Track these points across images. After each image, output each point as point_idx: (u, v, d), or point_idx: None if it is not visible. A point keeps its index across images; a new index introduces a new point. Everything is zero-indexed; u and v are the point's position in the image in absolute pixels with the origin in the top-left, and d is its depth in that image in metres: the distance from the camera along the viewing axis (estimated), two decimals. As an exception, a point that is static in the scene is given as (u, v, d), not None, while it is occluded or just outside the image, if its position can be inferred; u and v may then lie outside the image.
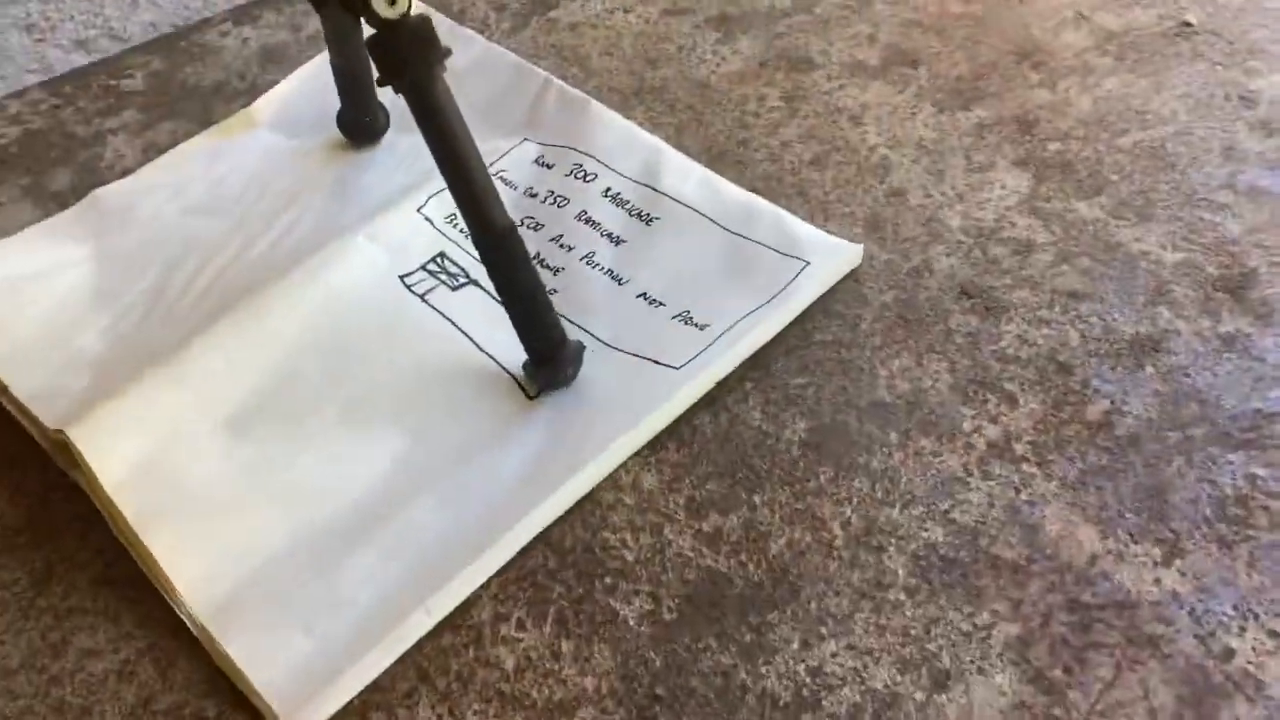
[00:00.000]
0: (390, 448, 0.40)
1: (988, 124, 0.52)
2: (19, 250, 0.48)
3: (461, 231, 0.48)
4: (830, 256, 0.45)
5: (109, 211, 0.50)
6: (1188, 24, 0.57)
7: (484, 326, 0.44)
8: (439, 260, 0.47)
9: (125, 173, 0.52)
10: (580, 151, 0.51)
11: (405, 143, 0.52)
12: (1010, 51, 0.56)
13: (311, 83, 0.56)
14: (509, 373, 0.42)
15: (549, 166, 0.51)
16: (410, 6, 0.36)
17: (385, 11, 0.36)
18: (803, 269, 0.44)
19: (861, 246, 0.46)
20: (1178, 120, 0.51)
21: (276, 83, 0.57)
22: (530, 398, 0.41)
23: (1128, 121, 0.51)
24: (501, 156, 0.52)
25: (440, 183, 0.48)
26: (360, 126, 0.53)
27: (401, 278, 0.46)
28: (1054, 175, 0.49)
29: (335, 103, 0.52)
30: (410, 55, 0.36)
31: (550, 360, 0.41)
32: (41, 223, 0.50)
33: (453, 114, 0.37)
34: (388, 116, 0.53)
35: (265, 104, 0.56)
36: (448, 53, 0.37)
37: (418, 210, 0.49)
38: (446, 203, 0.48)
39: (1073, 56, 0.56)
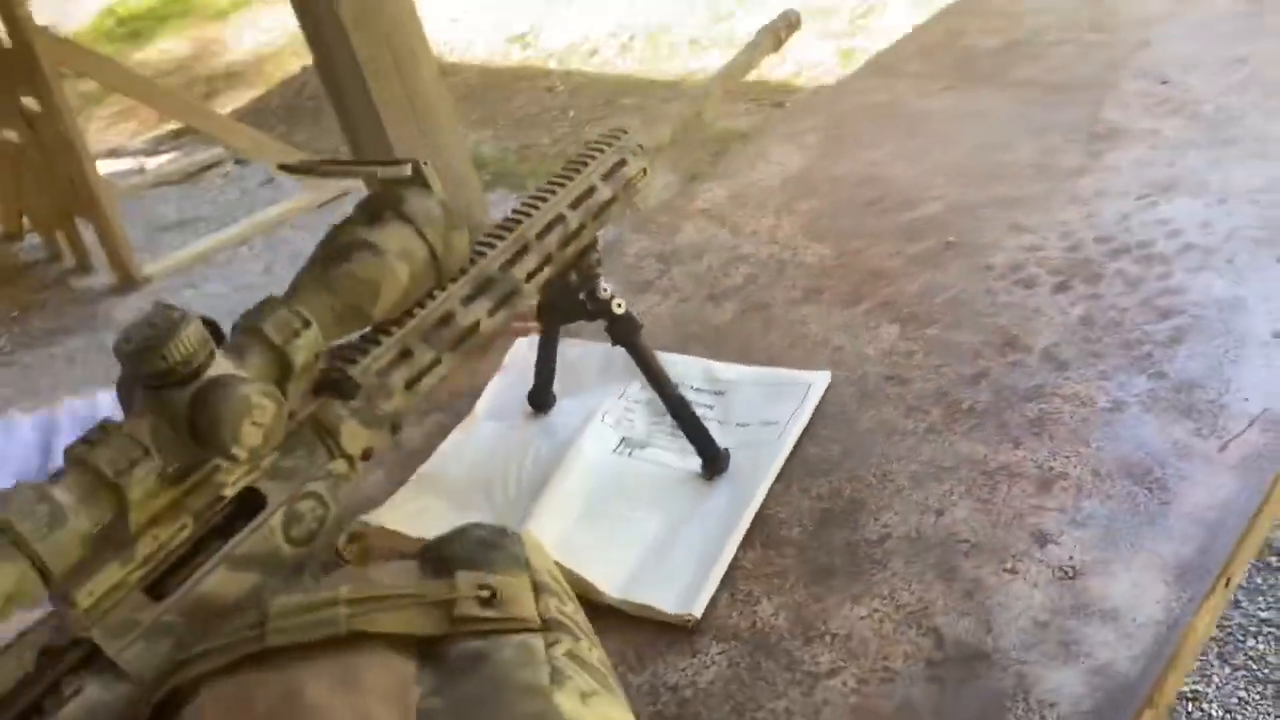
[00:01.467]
0: (655, 516, 0.80)
1: (871, 309, 0.99)
2: (398, 503, 0.87)
3: (628, 424, 0.90)
4: (819, 381, 0.90)
5: (429, 477, 0.90)
6: (951, 242, 1.07)
7: (664, 457, 0.86)
8: (624, 440, 0.89)
9: (430, 449, 0.93)
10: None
11: (568, 404, 0.95)
12: (868, 274, 1.05)
13: (501, 385, 0.99)
14: (694, 472, 0.84)
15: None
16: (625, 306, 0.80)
17: (617, 311, 0.80)
18: (810, 386, 0.89)
19: (829, 372, 0.91)
20: (958, 286, 1.00)
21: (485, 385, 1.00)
22: (708, 480, 0.83)
23: (935, 292, 1.00)
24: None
25: (605, 406, 0.91)
26: (545, 400, 0.95)
27: (613, 451, 0.88)
28: (910, 322, 0.96)
29: (519, 396, 0.95)
30: (631, 331, 0.80)
31: (715, 458, 0.83)
32: (400, 489, 0.89)
33: (652, 354, 0.81)
34: (555, 395, 0.96)
35: (480, 404, 0.98)
36: (641, 325, 0.81)
37: (601, 421, 0.91)
38: (613, 413, 0.91)
39: (903, 271, 1.05)
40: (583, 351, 0.98)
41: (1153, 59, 1.31)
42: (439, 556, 0.57)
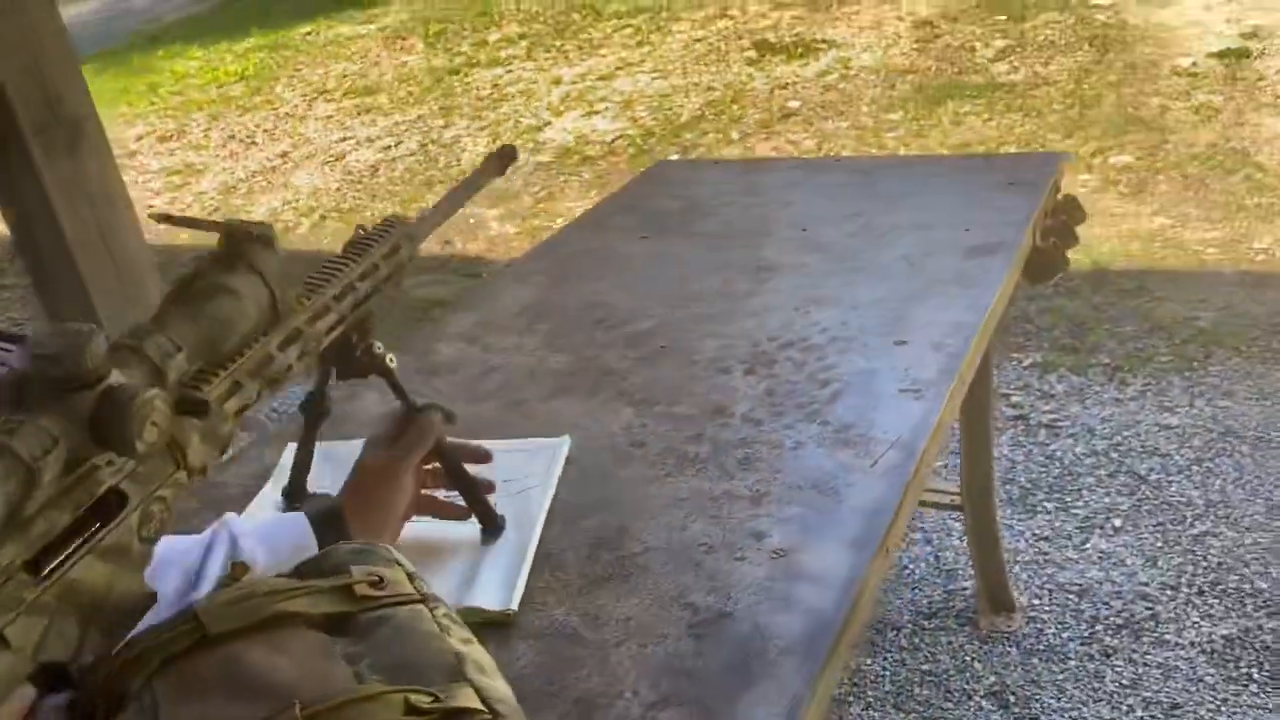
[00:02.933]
0: (458, 556, 0.97)
1: (609, 398, 1.23)
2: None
3: None
4: (563, 444, 1.12)
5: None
6: (664, 346, 1.34)
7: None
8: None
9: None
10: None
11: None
12: (603, 373, 1.29)
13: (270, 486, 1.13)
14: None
15: None
16: None
17: (391, 365, 0.98)
18: (556, 446, 1.11)
19: (569, 437, 1.12)
20: (674, 377, 1.26)
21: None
22: (488, 542, 1.00)
23: (657, 383, 1.25)
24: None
25: None
26: (300, 495, 1.09)
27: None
28: (642, 404, 1.20)
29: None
30: (398, 383, 0.99)
31: (493, 523, 1.00)
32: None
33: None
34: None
35: (255, 501, 1.11)
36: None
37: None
38: None
39: (631, 370, 1.30)
40: (348, 449, 1.14)
41: (794, 215, 1.69)
42: (318, 568, 0.72)
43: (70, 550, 0.61)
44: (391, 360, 0.95)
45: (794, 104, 4.96)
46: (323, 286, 0.82)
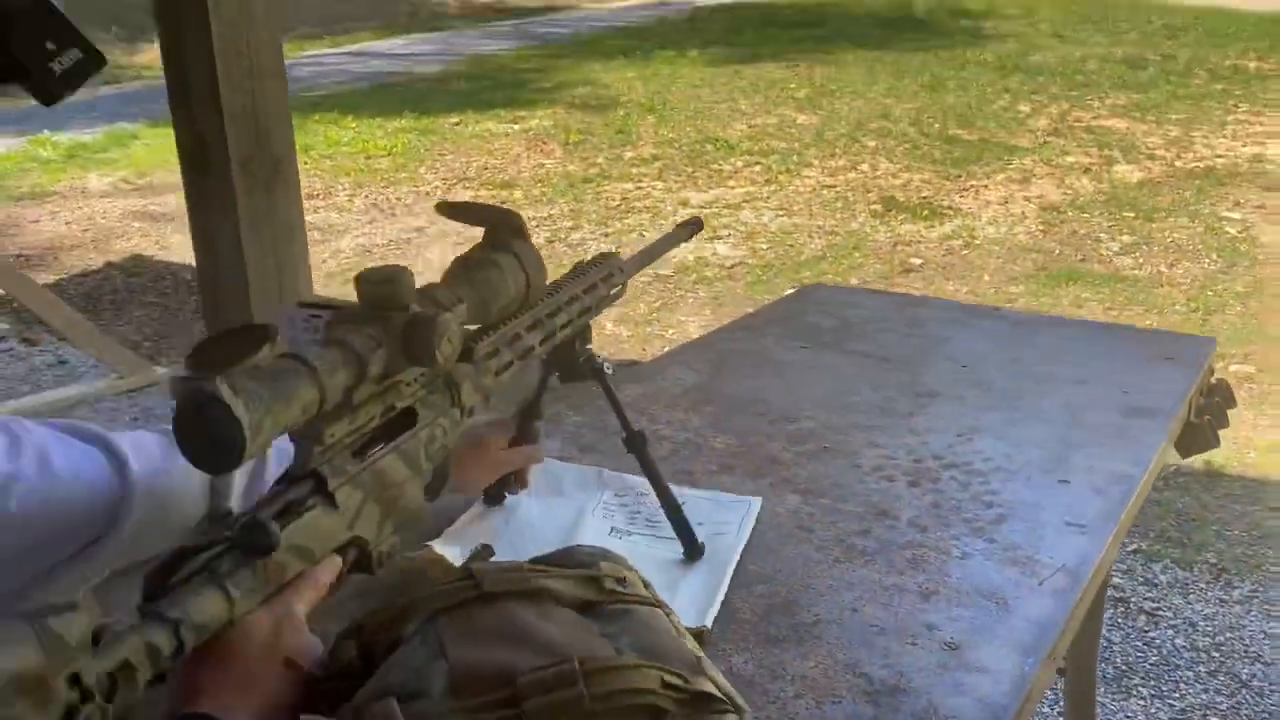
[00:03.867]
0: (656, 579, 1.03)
1: (775, 483, 1.29)
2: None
3: (612, 516, 1.14)
4: (755, 502, 1.18)
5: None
6: (827, 447, 1.40)
7: (649, 539, 1.10)
8: (613, 529, 1.13)
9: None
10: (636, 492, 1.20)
11: (555, 502, 1.18)
12: (768, 460, 1.35)
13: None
14: (679, 557, 1.08)
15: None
16: None
17: (608, 371, 1.07)
18: (750, 503, 1.17)
19: (761, 498, 1.19)
20: (838, 476, 1.32)
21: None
22: (688, 562, 1.07)
23: (821, 478, 1.31)
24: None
25: (590, 505, 1.16)
26: (500, 495, 1.18)
27: (608, 535, 1.11)
28: (807, 494, 1.26)
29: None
30: (612, 389, 1.07)
31: (695, 546, 1.08)
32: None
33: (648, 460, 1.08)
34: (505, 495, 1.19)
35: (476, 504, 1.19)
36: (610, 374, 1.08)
37: (592, 515, 1.15)
38: (599, 511, 1.15)
39: (794, 461, 1.35)
40: (561, 467, 1.25)
41: (953, 350, 1.75)
42: (561, 562, 0.79)
43: (381, 444, 0.77)
44: (609, 368, 1.06)
45: (915, 261, 5.07)
46: (557, 291, 0.98)
